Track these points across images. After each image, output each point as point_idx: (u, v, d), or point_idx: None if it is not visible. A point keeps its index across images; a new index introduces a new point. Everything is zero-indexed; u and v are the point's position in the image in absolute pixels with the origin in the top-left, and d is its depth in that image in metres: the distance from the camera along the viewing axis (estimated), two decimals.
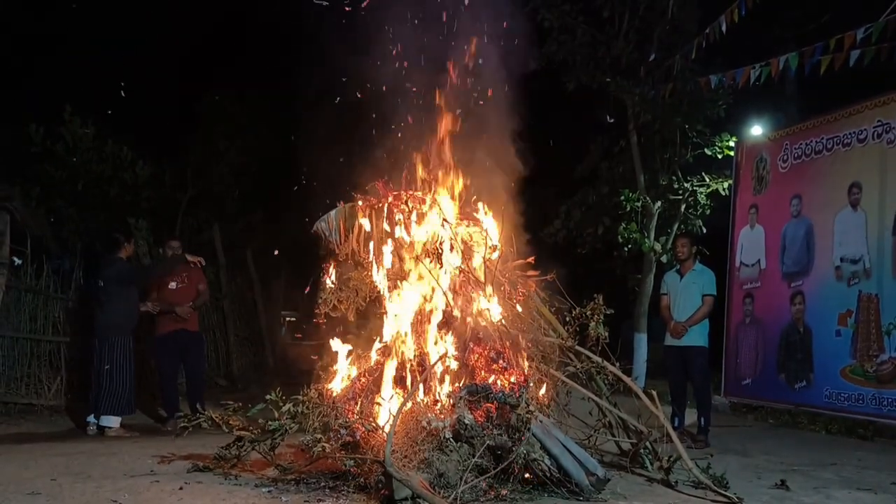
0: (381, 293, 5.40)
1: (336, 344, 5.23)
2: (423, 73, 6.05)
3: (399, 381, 4.98)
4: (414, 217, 5.46)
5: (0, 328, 7.58)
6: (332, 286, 5.40)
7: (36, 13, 14.38)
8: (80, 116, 10.70)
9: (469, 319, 5.21)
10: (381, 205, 5.47)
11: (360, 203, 5.53)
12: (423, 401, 4.65)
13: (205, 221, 12.66)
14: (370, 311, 5.55)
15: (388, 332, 5.30)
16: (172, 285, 7.77)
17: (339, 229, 5.45)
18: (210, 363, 10.75)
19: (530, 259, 5.88)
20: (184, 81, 14.29)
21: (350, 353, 5.27)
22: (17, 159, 10.53)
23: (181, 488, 4.24)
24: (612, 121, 12.21)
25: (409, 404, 4.55)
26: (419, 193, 5.63)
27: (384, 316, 5.37)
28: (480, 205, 5.75)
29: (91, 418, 7.11)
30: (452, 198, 5.73)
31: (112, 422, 7.05)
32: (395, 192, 5.55)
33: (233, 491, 4.22)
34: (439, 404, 4.63)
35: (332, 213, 5.52)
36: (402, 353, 5.09)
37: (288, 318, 15.61)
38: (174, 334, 7.72)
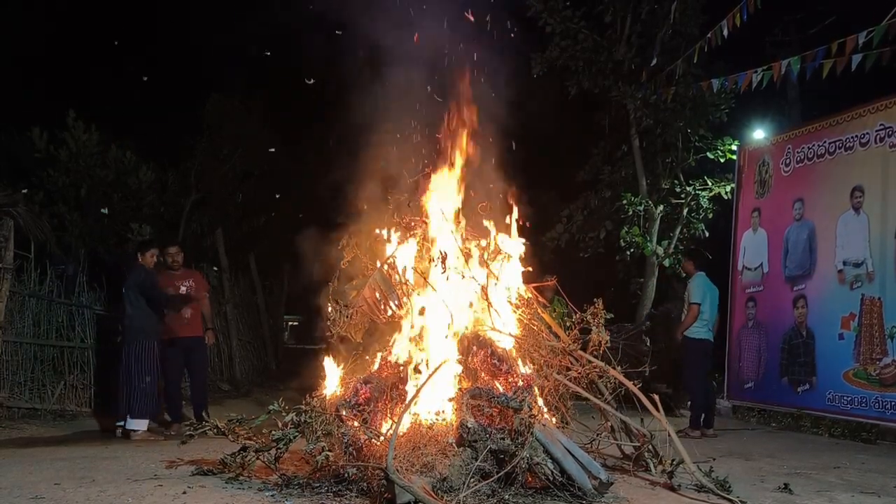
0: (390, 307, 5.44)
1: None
2: (425, 80, 6.09)
3: (401, 387, 4.99)
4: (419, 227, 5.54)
5: (4, 333, 7.59)
6: (338, 307, 5.41)
7: (39, 18, 14.45)
8: (83, 121, 10.72)
9: (471, 325, 5.24)
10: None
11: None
12: (428, 412, 4.66)
13: (208, 226, 12.67)
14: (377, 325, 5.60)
15: (391, 340, 5.33)
16: (182, 290, 7.84)
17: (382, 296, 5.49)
18: (213, 367, 10.75)
19: (551, 281, 6.04)
20: (187, 86, 14.34)
21: (353, 361, 5.30)
22: (21, 164, 10.56)
23: (184, 492, 4.24)
24: (608, 132, 12.30)
25: (410, 410, 4.56)
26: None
27: (388, 325, 5.41)
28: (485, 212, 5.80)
29: (119, 421, 7.21)
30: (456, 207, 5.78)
31: (138, 425, 7.09)
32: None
33: (236, 495, 4.22)
34: (442, 409, 4.64)
35: (371, 280, 5.54)
36: (405, 359, 5.11)
37: (291, 323, 15.63)
38: (177, 339, 7.75)
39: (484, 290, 5.43)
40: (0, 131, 11.15)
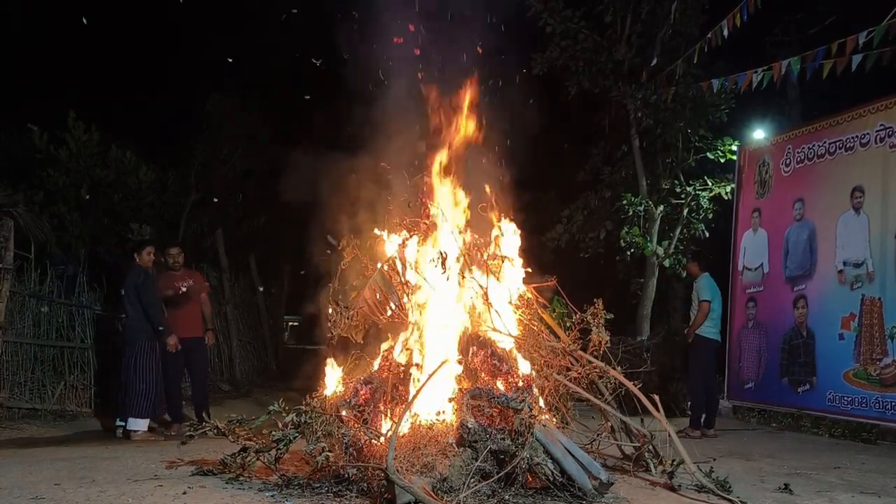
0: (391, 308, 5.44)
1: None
2: (424, 78, 6.08)
3: (401, 388, 4.99)
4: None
5: (4, 333, 7.60)
6: (339, 308, 5.41)
7: (39, 17, 14.43)
8: (83, 121, 10.72)
9: (471, 325, 5.24)
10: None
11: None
12: (428, 413, 4.65)
13: (208, 226, 12.67)
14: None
15: (391, 340, 5.33)
16: (183, 290, 7.84)
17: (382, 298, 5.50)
18: (213, 367, 10.75)
19: (551, 282, 6.05)
20: (188, 86, 14.33)
21: (352, 361, 5.30)
22: (21, 164, 10.56)
23: (185, 493, 4.24)
24: (608, 132, 12.31)
25: (411, 410, 4.56)
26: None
27: (389, 326, 5.41)
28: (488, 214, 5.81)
29: (119, 421, 7.22)
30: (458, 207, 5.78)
31: (139, 425, 7.10)
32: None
33: (236, 495, 4.22)
34: (442, 409, 4.63)
35: (372, 281, 5.53)
36: (405, 359, 5.11)
37: (291, 323, 15.61)
38: (178, 339, 7.74)
39: (484, 290, 5.42)
40: (0, 131, 11.15)
